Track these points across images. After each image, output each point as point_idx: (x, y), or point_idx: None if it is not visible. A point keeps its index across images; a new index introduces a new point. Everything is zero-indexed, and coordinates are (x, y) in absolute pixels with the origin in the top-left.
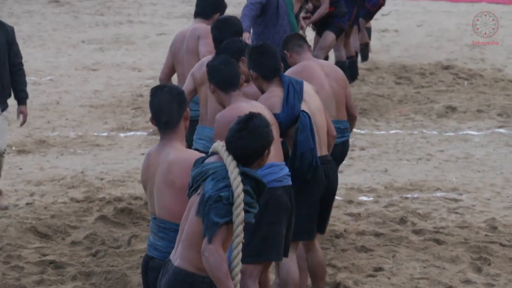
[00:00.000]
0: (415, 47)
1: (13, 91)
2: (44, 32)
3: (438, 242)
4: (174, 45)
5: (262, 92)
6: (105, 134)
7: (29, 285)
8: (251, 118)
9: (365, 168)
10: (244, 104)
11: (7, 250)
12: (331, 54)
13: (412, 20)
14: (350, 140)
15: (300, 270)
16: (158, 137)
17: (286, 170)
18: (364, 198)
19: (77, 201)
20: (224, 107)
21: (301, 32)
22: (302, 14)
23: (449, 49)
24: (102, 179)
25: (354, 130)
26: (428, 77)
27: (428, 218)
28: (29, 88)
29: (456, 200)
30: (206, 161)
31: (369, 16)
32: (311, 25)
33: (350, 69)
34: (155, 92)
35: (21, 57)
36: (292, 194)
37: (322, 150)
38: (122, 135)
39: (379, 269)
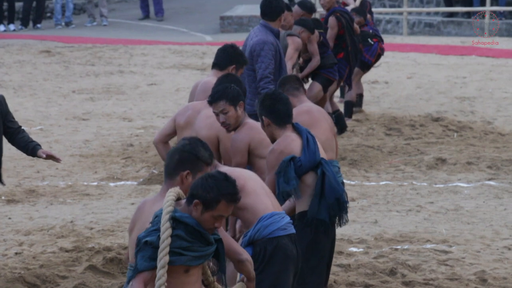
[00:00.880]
0: (405, 98)
1: (22, 150)
2: (35, 81)
3: None
4: (192, 95)
5: (272, 139)
6: (95, 183)
7: None
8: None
9: (355, 219)
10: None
11: None
12: None
13: (402, 72)
14: None
15: None
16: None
17: (287, 219)
18: (354, 249)
19: (66, 251)
20: None
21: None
22: (293, 71)
23: (439, 101)
24: (91, 228)
25: (344, 181)
26: (418, 129)
27: (418, 270)
28: None
29: (446, 252)
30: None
31: (367, 67)
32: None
33: (337, 123)
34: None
35: (18, 123)
36: (297, 242)
37: None
38: (112, 184)
39: None
